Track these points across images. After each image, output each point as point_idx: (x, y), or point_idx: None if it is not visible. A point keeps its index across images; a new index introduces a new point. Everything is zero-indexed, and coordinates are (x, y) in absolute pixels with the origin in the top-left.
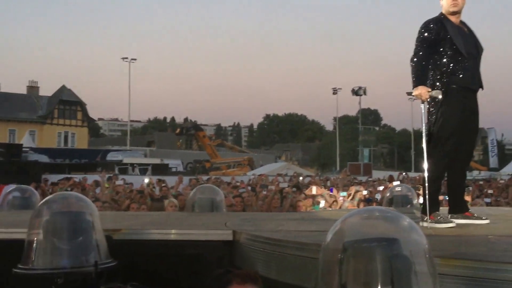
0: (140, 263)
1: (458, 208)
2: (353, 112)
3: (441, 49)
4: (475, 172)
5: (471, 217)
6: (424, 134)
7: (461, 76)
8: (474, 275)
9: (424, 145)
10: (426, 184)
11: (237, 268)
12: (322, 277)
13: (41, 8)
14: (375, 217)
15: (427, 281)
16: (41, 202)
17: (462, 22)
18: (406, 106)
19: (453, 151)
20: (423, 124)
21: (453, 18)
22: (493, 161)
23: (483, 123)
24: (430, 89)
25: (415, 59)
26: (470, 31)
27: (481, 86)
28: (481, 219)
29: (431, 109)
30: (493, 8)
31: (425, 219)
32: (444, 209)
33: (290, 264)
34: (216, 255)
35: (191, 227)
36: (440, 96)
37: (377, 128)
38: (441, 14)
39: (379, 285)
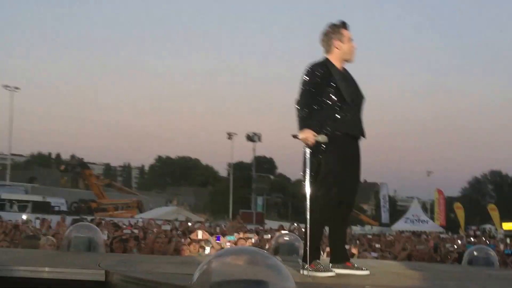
0: None
1: (339, 257)
2: (248, 159)
3: (326, 94)
4: (367, 227)
5: (352, 267)
6: (307, 180)
7: (345, 123)
8: None
9: (307, 191)
10: (308, 231)
11: None
12: None
13: None
14: (243, 257)
15: None
16: None
17: (344, 69)
18: (301, 156)
19: (336, 198)
20: (307, 169)
21: (337, 64)
22: (384, 216)
23: (376, 177)
24: (316, 134)
25: (300, 102)
26: (353, 78)
27: (363, 135)
28: (362, 269)
29: (314, 155)
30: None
31: (306, 267)
32: (326, 259)
33: None
34: None
35: (61, 266)
36: (325, 141)
37: (271, 177)
38: (326, 58)
39: None
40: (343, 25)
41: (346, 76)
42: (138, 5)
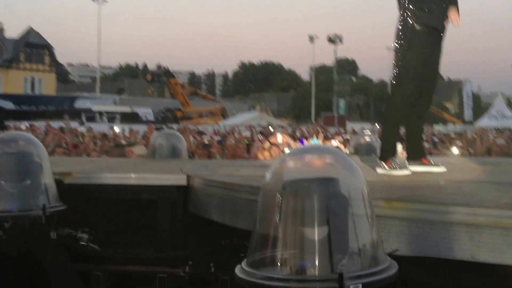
0: (92, 208)
1: (415, 154)
2: (330, 61)
3: None
4: (450, 126)
5: (428, 164)
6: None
7: (432, 15)
8: (414, 216)
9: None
10: (384, 129)
11: (191, 213)
12: (260, 217)
13: None
14: (314, 156)
15: (363, 221)
16: None
17: None
18: (384, 56)
19: (413, 96)
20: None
21: None
22: (468, 114)
23: (460, 74)
24: None
25: None
26: None
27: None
28: (438, 166)
29: (397, 50)
30: None
31: (382, 165)
32: (403, 157)
33: (242, 209)
34: (170, 200)
35: (145, 172)
36: None
37: (353, 79)
38: None
39: (316, 225)
40: None
41: None
42: None
